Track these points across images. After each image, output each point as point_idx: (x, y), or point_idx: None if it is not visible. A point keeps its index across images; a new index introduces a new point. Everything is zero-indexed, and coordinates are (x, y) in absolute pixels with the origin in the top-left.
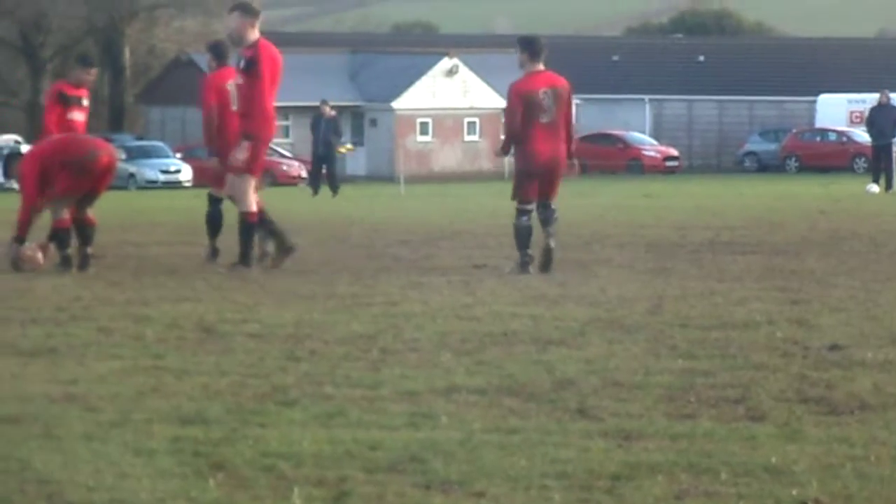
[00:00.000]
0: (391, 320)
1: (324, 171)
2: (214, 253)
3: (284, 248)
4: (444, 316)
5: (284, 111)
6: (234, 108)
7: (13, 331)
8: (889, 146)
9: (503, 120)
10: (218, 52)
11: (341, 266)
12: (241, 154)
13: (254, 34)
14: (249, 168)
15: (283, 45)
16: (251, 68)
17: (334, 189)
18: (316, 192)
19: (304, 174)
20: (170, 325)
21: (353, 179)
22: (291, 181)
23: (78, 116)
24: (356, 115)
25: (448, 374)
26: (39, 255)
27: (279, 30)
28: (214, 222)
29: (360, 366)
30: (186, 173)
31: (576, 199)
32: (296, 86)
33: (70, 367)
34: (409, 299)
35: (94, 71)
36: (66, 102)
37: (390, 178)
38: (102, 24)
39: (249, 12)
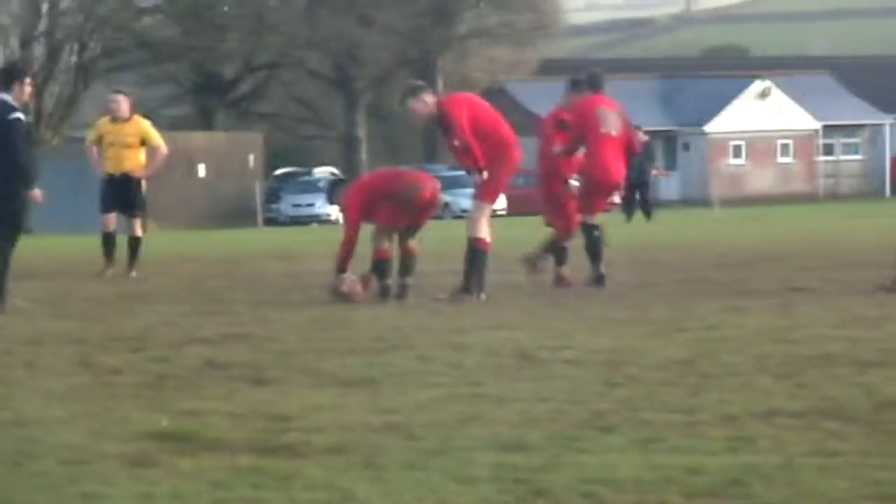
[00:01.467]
0: (708, 345)
1: (637, 196)
2: (599, 279)
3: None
4: (762, 339)
5: None
6: (603, 129)
7: (334, 361)
8: None
9: None
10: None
11: (656, 291)
12: (477, 181)
13: (432, 100)
14: (486, 196)
15: None
16: (445, 126)
17: (648, 214)
18: (629, 217)
19: (617, 200)
20: (488, 353)
21: (667, 204)
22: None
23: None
24: (669, 139)
25: (767, 398)
26: (359, 289)
27: (590, 56)
28: (594, 248)
29: (678, 391)
30: (500, 202)
31: (889, 218)
32: None
33: (390, 395)
34: (725, 323)
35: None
36: (564, 127)
37: (704, 202)
38: (415, 55)
39: (415, 91)
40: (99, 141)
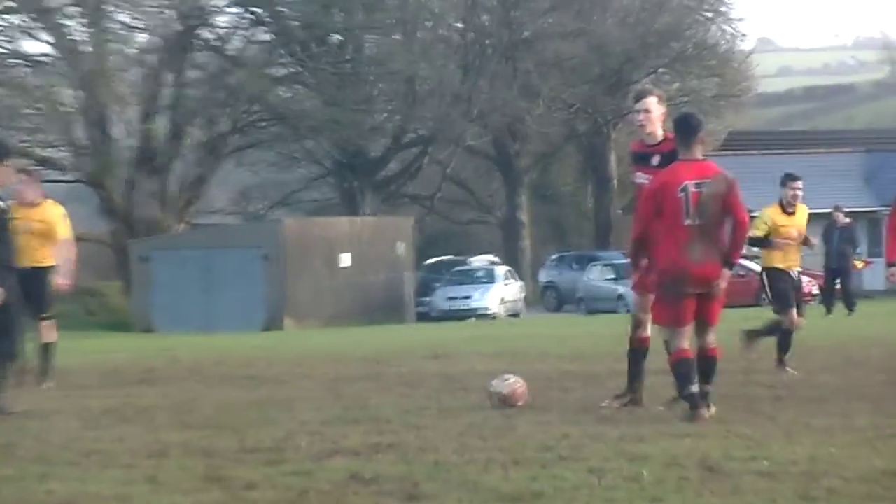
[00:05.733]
0: None
1: (837, 286)
2: None
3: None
4: None
5: None
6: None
7: (495, 473)
8: None
9: None
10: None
11: (860, 394)
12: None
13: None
14: None
15: (787, 146)
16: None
17: (850, 306)
18: (829, 310)
19: (815, 290)
20: (669, 464)
21: (871, 295)
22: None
23: None
24: (873, 221)
25: None
26: (522, 390)
27: (783, 128)
28: None
29: None
30: None
31: None
32: (803, 190)
33: None
34: None
35: None
36: None
37: None
38: (586, 128)
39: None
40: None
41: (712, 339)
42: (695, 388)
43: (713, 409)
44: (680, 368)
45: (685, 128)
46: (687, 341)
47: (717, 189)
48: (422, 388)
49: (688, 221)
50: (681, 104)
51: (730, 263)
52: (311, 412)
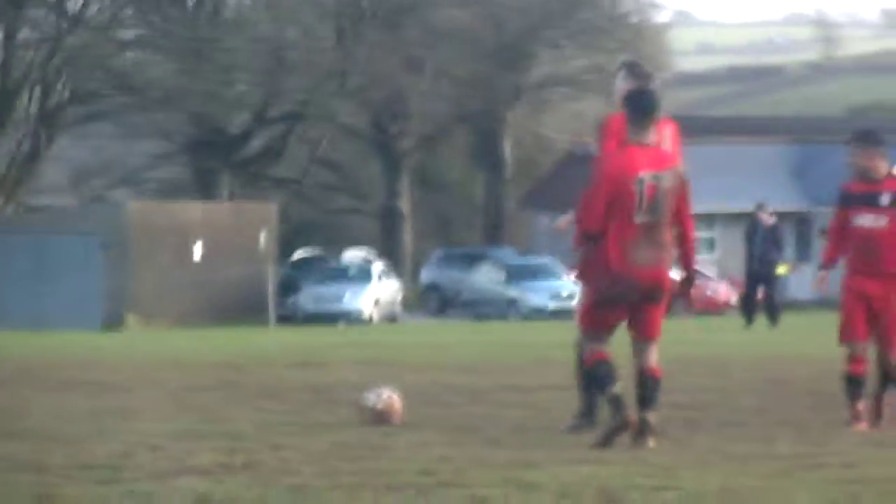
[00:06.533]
0: (847, 487)
1: (759, 294)
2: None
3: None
4: None
5: (708, 219)
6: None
7: (365, 500)
8: None
9: None
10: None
11: (782, 417)
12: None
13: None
14: None
15: (706, 134)
16: None
17: (773, 317)
18: (749, 321)
19: (733, 299)
20: (562, 494)
21: (798, 305)
22: (717, 307)
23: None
24: (802, 222)
25: None
26: (397, 406)
27: (702, 113)
28: None
29: None
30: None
31: None
32: (724, 185)
33: None
34: (868, 460)
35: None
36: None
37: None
38: (477, 108)
39: (634, 74)
40: None
41: (654, 357)
42: (618, 388)
43: (653, 443)
44: (599, 369)
45: (637, 106)
46: (607, 346)
47: (674, 184)
48: (283, 401)
49: (638, 219)
50: (586, 83)
51: (691, 271)
52: (155, 425)
